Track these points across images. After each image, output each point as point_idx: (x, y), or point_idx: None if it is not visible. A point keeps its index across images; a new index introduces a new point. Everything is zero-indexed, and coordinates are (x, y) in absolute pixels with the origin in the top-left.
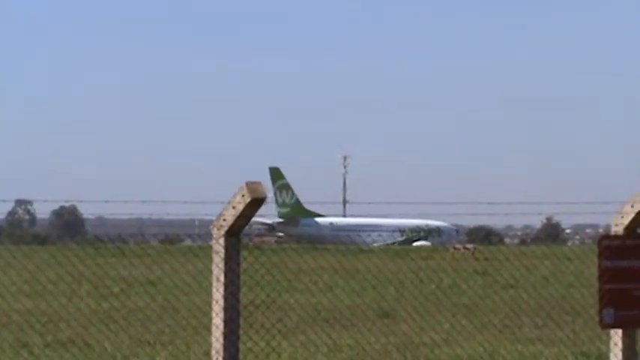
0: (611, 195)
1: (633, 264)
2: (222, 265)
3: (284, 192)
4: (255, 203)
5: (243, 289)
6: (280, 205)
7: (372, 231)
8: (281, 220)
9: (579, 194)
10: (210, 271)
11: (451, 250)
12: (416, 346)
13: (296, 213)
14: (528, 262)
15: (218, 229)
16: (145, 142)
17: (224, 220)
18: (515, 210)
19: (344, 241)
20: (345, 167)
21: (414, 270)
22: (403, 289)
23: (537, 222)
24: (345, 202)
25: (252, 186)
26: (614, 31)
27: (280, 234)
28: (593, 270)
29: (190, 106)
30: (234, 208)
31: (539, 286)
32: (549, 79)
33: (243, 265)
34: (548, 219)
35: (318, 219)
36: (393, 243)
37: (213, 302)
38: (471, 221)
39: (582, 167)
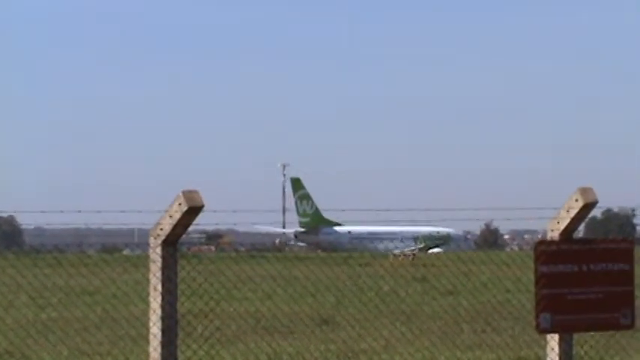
0: (548, 201)
1: (569, 269)
2: (159, 274)
3: (304, 202)
4: (192, 212)
5: (181, 298)
6: (301, 214)
7: (388, 239)
8: (302, 229)
9: (517, 200)
10: (148, 281)
11: (390, 256)
12: (355, 353)
13: (316, 222)
14: (467, 268)
15: (155, 238)
16: (84, 151)
17: (161, 229)
18: (455, 216)
19: (366, 248)
20: (284, 175)
21: (353, 277)
22: (342, 297)
23: (476, 228)
24: (284, 210)
25: (188, 195)
26: (541, 33)
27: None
28: (530, 275)
29: (131, 113)
30: (171, 217)
31: (478, 292)
32: (482, 85)
33: (181, 274)
34: (487, 225)
35: (336, 228)
36: (413, 250)
37: (151, 312)
38: (409, 228)
39: (519, 173)
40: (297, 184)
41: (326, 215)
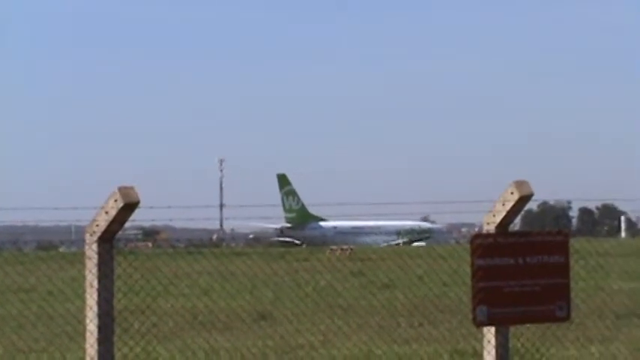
0: (484, 194)
1: (505, 262)
2: (95, 270)
3: (290, 197)
4: (128, 208)
5: (118, 295)
6: (287, 210)
7: (373, 233)
8: (289, 225)
9: (454, 193)
10: (85, 278)
11: (327, 251)
12: (293, 348)
13: (301, 217)
14: (403, 262)
15: (91, 235)
16: (18, 149)
17: (97, 225)
18: (391, 210)
19: (350, 242)
20: (221, 171)
21: (290, 272)
22: (280, 292)
23: (409, 222)
24: (221, 205)
25: (124, 191)
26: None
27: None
28: (467, 268)
29: (67, 109)
30: (107, 213)
31: (415, 286)
32: (427, 79)
33: (118, 270)
34: (424, 218)
35: (322, 223)
36: (398, 244)
37: (87, 308)
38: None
39: (456, 167)
40: (283, 180)
41: (311, 211)
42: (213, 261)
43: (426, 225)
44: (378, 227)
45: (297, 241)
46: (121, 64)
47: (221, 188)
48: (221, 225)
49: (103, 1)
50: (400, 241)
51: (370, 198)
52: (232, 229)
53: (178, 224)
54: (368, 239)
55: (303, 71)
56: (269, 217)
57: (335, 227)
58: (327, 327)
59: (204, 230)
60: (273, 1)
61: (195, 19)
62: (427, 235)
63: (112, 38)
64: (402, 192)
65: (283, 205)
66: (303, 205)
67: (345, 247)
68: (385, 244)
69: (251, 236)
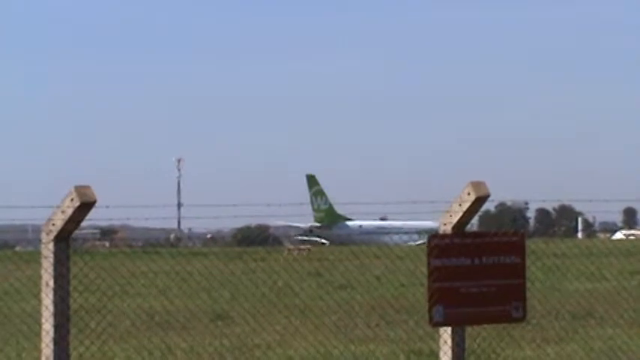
0: (441, 194)
1: (461, 262)
2: (51, 270)
3: (319, 197)
4: (85, 207)
5: (74, 294)
6: (316, 209)
7: (396, 233)
8: (318, 224)
9: (411, 194)
10: (41, 277)
11: (285, 251)
12: (250, 348)
13: (330, 217)
14: (361, 262)
15: (47, 234)
16: None
17: (53, 224)
18: (350, 210)
19: (378, 241)
20: (179, 170)
21: (247, 272)
22: (237, 292)
23: (370, 222)
24: (179, 205)
25: (81, 190)
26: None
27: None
28: (423, 269)
29: (23, 107)
30: (63, 212)
31: (372, 286)
32: (376, 80)
33: (74, 269)
34: (383, 219)
35: (348, 222)
36: (422, 243)
37: (43, 308)
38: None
39: (413, 167)
40: (312, 180)
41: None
42: (171, 261)
43: (431, 225)
44: (400, 227)
45: (323, 240)
46: (78, 60)
47: (179, 187)
48: (179, 225)
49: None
50: (421, 241)
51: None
52: (190, 229)
53: (136, 224)
54: (392, 239)
55: (237, 69)
56: (222, 217)
57: (360, 226)
58: (284, 327)
59: (162, 230)
60: None
61: (142, 17)
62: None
63: (68, 35)
64: (363, 191)
65: (312, 205)
66: (331, 204)
67: (302, 247)
68: (412, 243)
69: (209, 236)
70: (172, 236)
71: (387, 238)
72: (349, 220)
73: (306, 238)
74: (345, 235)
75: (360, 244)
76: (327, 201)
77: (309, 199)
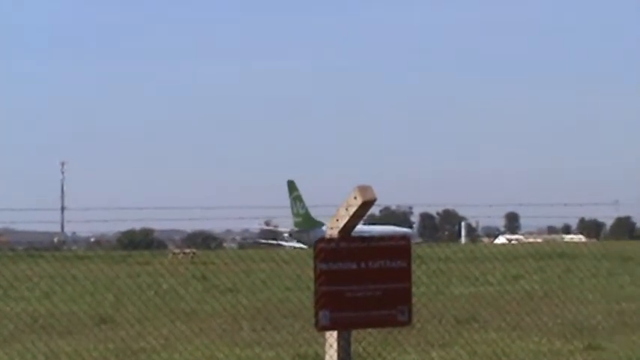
0: (331, 199)
1: (347, 266)
2: None
3: (298, 203)
4: None
5: None
6: (295, 214)
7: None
8: (297, 229)
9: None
10: None
11: (169, 255)
12: (134, 352)
13: (306, 222)
14: (246, 266)
15: None
16: None
17: None
18: (234, 214)
19: None
20: (62, 173)
21: (132, 276)
22: (122, 295)
23: (256, 226)
24: (63, 208)
25: None
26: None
27: None
28: (310, 273)
29: None
30: None
31: (258, 290)
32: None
33: None
34: (267, 223)
35: (324, 227)
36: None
37: None
38: (189, 226)
39: (300, 171)
40: (291, 185)
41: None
42: (55, 264)
43: (403, 230)
44: (371, 231)
45: (302, 245)
46: None
47: (62, 191)
48: (62, 228)
49: None
50: None
51: (212, 201)
52: (74, 232)
53: (19, 227)
54: None
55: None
56: (108, 220)
57: None
58: (170, 331)
59: (46, 233)
60: None
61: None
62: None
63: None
64: (246, 195)
65: (292, 210)
66: (307, 210)
67: (187, 250)
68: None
69: (92, 239)
70: (56, 240)
71: None
72: (323, 224)
73: (295, 244)
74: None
75: None
76: (304, 206)
77: (290, 203)
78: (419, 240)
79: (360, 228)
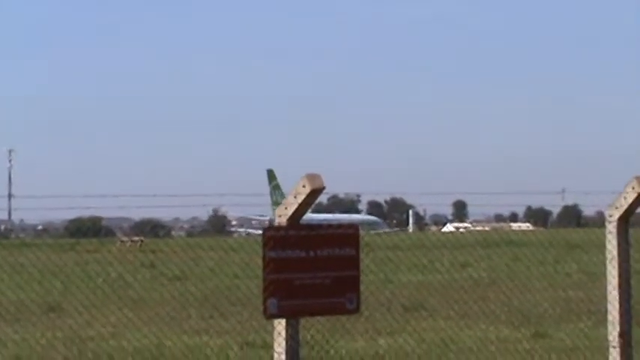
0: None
1: (296, 254)
2: None
3: (277, 191)
4: None
5: None
6: (274, 202)
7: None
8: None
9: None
10: None
11: (117, 243)
12: (82, 339)
13: None
14: (195, 254)
15: None
16: None
17: None
18: (182, 202)
19: None
20: (10, 162)
21: (80, 264)
22: (70, 283)
23: (204, 214)
24: (10, 196)
25: None
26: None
27: None
28: (258, 261)
29: None
30: None
31: (206, 278)
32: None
33: None
34: (215, 211)
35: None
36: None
37: None
38: (137, 214)
39: (248, 159)
40: (271, 174)
41: None
42: (2, 252)
43: (372, 218)
44: (339, 220)
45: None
46: None
47: (9, 179)
48: (9, 215)
49: None
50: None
51: (160, 189)
52: (21, 220)
53: None
54: None
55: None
56: (59, 208)
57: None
58: (118, 319)
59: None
60: None
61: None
62: (375, 226)
63: None
64: (195, 182)
65: (271, 199)
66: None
67: (135, 238)
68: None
69: (40, 227)
70: (3, 227)
71: None
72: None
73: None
74: None
75: None
76: (282, 195)
77: (269, 192)
78: (387, 229)
79: (333, 216)
